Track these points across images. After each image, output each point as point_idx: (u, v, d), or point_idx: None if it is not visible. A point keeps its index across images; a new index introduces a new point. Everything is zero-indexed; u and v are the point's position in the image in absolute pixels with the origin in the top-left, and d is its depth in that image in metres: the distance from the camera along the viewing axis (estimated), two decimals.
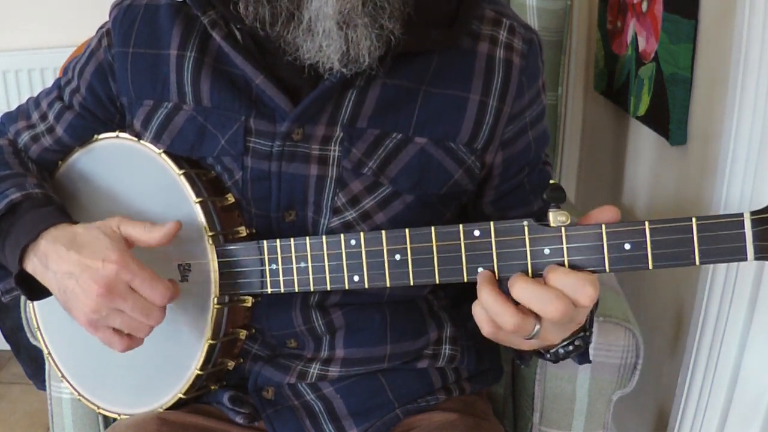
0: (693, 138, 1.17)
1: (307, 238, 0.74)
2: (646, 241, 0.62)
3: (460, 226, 0.68)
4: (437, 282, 0.69)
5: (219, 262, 0.79)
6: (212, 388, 0.88)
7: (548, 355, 0.75)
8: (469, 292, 0.69)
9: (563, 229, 0.64)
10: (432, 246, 0.69)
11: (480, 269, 0.67)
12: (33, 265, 0.76)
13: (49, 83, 1.00)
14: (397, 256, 0.70)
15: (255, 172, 0.81)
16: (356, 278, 0.72)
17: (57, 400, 1.06)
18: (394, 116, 0.80)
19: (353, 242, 0.72)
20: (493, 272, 0.67)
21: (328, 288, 0.74)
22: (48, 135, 0.90)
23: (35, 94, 0.95)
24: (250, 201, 0.82)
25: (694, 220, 0.60)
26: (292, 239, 0.75)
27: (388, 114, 0.80)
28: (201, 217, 0.79)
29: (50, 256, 0.74)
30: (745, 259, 0.60)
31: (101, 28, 0.89)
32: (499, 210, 0.88)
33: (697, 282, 1.06)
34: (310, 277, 0.75)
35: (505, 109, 0.81)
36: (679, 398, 1.09)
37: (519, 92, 0.82)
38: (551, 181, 0.65)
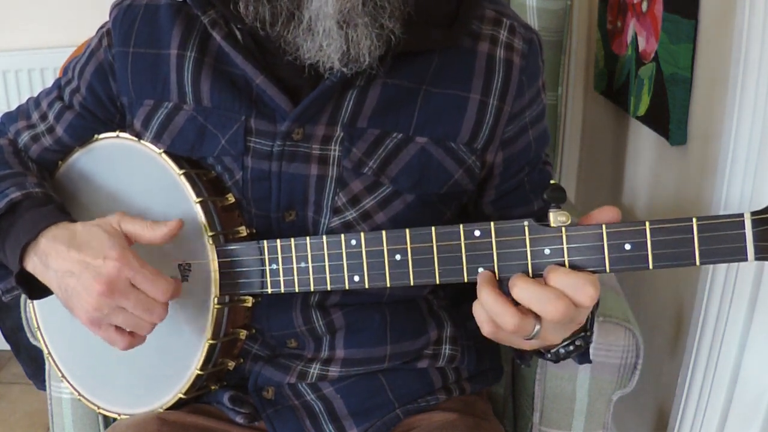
0: (693, 138, 1.17)
1: (308, 238, 0.74)
2: (646, 241, 0.62)
3: (461, 226, 0.68)
4: (437, 282, 0.69)
5: (219, 262, 0.79)
6: (212, 388, 0.88)
7: (549, 355, 0.75)
8: (469, 291, 0.69)
9: (564, 229, 0.64)
10: (432, 246, 0.69)
11: (480, 269, 0.67)
12: (33, 264, 0.76)
13: (49, 83, 1.01)
14: (398, 256, 0.70)
15: (255, 172, 0.81)
16: (356, 278, 0.72)
17: (57, 400, 1.06)
18: (395, 116, 0.80)
19: (354, 242, 0.72)
20: (494, 272, 0.67)
21: (329, 288, 0.74)
22: (48, 135, 0.90)
23: (35, 94, 0.95)
24: (250, 201, 0.82)
25: (694, 220, 0.60)
26: (292, 239, 0.75)
27: (388, 114, 0.80)
28: (201, 217, 0.79)
29: (50, 255, 0.74)
30: (746, 260, 0.60)
31: (101, 28, 0.89)
32: (499, 209, 0.88)
33: (697, 282, 1.06)
34: (311, 277, 0.75)
35: (505, 108, 0.82)
36: (679, 398, 1.09)
37: (519, 92, 0.82)
38: (551, 182, 0.65)
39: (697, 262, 0.61)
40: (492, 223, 0.67)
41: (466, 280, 0.68)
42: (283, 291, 0.77)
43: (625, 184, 1.54)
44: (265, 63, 0.79)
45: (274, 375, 0.87)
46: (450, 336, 0.92)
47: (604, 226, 0.63)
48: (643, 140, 1.41)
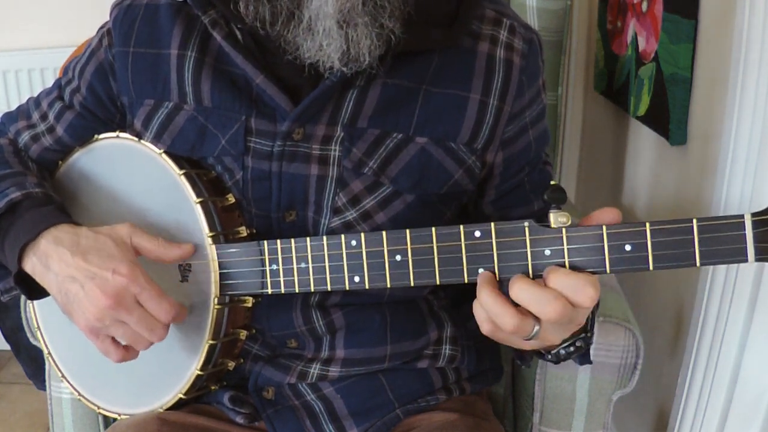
0: (693, 138, 1.17)
1: (308, 238, 0.74)
2: (646, 242, 0.62)
3: (461, 226, 0.68)
4: (438, 283, 0.69)
5: (219, 263, 0.79)
6: (212, 388, 0.88)
7: (549, 356, 0.75)
8: (470, 292, 0.69)
9: (564, 230, 0.64)
10: (433, 247, 0.69)
11: (481, 270, 0.67)
12: (32, 265, 0.76)
13: (49, 83, 1.01)
14: (398, 257, 0.70)
15: (255, 172, 0.81)
16: (357, 279, 0.72)
17: (57, 400, 1.06)
18: (395, 116, 0.80)
19: (354, 243, 0.72)
20: (494, 273, 0.67)
21: (329, 288, 0.74)
22: (48, 135, 0.90)
23: (35, 94, 0.95)
24: (250, 201, 0.82)
25: (694, 221, 0.60)
26: (292, 240, 0.75)
27: (388, 114, 0.80)
28: (201, 218, 0.79)
29: (52, 257, 0.74)
30: (746, 261, 0.60)
31: (102, 27, 0.89)
32: (499, 209, 0.88)
33: (697, 282, 1.06)
34: (311, 277, 0.75)
35: (505, 108, 0.81)
36: (679, 398, 1.09)
37: (519, 92, 0.82)
38: (552, 182, 0.65)
39: (698, 263, 0.61)
40: (492, 224, 0.67)
41: (466, 281, 0.68)
42: (283, 291, 0.77)
43: (625, 184, 1.54)
44: (265, 63, 0.79)
45: (275, 375, 0.87)
46: (450, 336, 0.92)
47: (604, 227, 0.63)
48: (643, 140, 1.41)
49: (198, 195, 0.80)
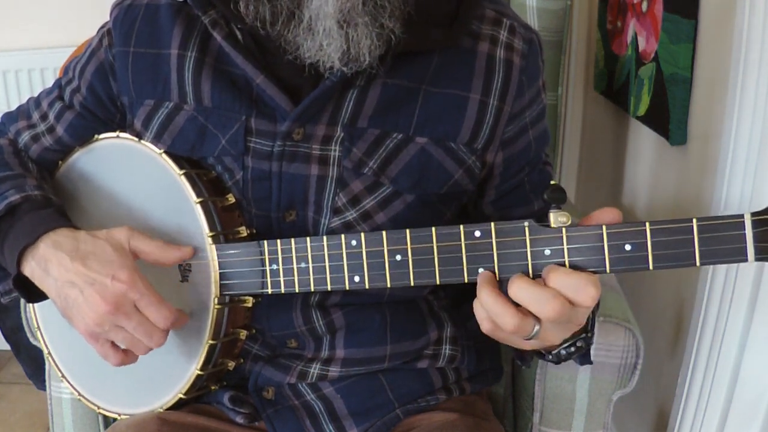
0: (693, 138, 1.17)
1: (308, 238, 0.74)
2: (646, 242, 0.62)
3: (461, 226, 0.68)
4: (438, 283, 0.69)
5: (219, 263, 0.79)
6: (212, 388, 0.88)
7: (549, 357, 0.75)
8: (470, 291, 0.69)
9: (564, 229, 0.64)
10: (433, 246, 0.69)
11: (481, 270, 0.67)
12: (31, 269, 0.76)
13: (49, 83, 1.01)
14: (398, 257, 0.70)
15: (255, 172, 0.81)
16: (357, 279, 0.72)
17: (57, 400, 1.06)
18: (395, 116, 0.80)
19: (354, 243, 0.72)
20: (494, 273, 0.67)
21: (329, 288, 0.74)
22: (48, 135, 0.90)
23: (35, 94, 0.95)
24: (250, 201, 0.82)
25: (694, 221, 0.60)
26: (292, 240, 0.75)
27: (388, 114, 0.80)
28: (201, 217, 0.79)
29: (51, 262, 0.74)
30: (746, 260, 0.60)
31: (102, 27, 0.89)
32: (499, 209, 0.88)
33: (697, 282, 1.06)
34: (311, 277, 0.75)
35: (505, 108, 0.82)
36: (679, 398, 1.09)
37: (519, 92, 0.82)
38: (552, 182, 0.65)
39: (698, 263, 0.61)
40: (492, 224, 0.67)
41: (466, 281, 0.68)
42: (283, 291, 0.77)
43: (625, 184, 1.54)
44: (265, 63, 0.79)
45: (274, 375, 0.87)
46: (450, 336, 0.92)
47: (604, 227, 0.63)
48: (643, 140, 1.41)
49: (198, 195, 0.80)
